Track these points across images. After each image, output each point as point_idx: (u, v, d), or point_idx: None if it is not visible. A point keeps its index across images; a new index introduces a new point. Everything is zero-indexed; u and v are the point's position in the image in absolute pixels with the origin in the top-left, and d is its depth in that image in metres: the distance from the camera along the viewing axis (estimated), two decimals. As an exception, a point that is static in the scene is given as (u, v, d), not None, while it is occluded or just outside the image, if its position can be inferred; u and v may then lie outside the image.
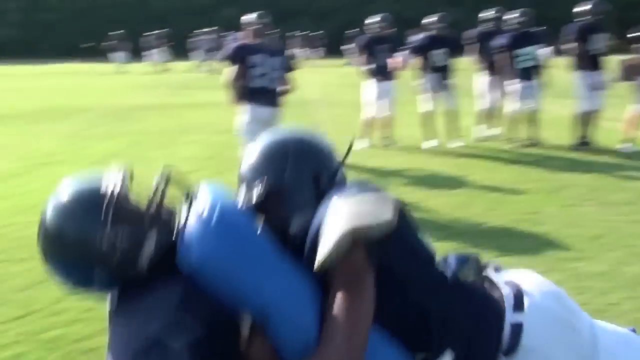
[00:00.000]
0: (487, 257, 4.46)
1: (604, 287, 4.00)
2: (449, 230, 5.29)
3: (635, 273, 4.21)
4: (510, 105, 9.19)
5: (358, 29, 14.12)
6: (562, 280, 4.09)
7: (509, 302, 1.72)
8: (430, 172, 7.63)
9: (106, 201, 1.67)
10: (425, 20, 9.55)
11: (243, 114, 6.48)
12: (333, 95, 16.52)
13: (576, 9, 8.83)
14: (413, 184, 7.08)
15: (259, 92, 6.41)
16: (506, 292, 1.75)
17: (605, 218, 5.53)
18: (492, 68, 9.38)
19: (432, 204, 6.11)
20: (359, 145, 9.04)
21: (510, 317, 1.70)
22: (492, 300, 1.74)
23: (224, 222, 1.64)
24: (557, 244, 4.88)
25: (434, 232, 5.13)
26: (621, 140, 8.58)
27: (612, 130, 9.28)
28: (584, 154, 8.45)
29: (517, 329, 1.69)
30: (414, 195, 6.33)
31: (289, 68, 6.73)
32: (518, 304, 1.72)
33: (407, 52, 9.37)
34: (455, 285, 1.74)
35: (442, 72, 9.14)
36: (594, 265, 4.37)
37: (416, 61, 9.26)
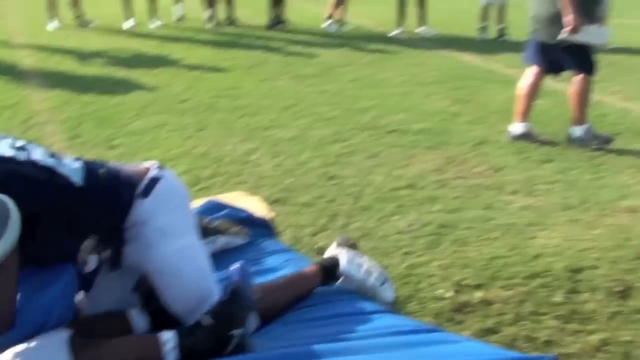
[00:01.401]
0: (169, 134, 4.67)
1: (295, 149, 4.42)
2: (153, 108, 5.32)
3: (321, 136, 4.71)
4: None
5: None
6: (259, 146, 4.43)
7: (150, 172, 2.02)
8: (130, 52, 7.46)
9: None
10: None
11: None
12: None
13: None
14: (112, 64, 6.88)
15: None
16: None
17: (296, 90, 6.01)
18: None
19: (133, 84, 6.05)
20: (50, 26, 8.43)
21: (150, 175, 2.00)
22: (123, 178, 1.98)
23: None
24: (254, 115, 5.20)
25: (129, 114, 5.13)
26: (325, 18, 9.21)
27: (303, 10, 9.86)
28: (278, 33, 8.91)
29: (154, 180, 1.99)
30: (117, 74, 6.19)
31: None
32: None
33: None
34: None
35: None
36: (286, 132, 4.78)
37: None
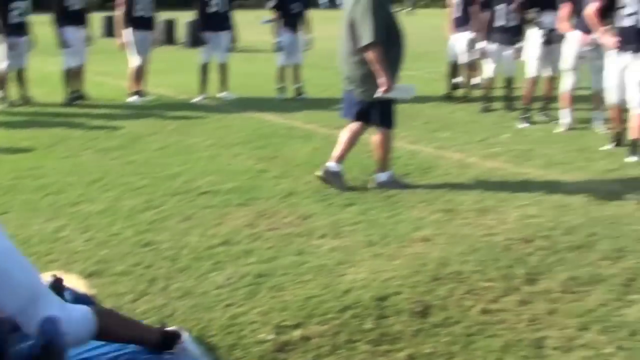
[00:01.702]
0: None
1: (106, 221, 4.38)
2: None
3: (131, 205, 4.71)
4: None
5: None
6: (67, 222, 4.34)
7: None
8: None
9: None
10: None
11: None
12: None
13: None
14: None
15: None
16: None
17: (102, 163, 5.94)
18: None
19: None
20: None
21: None
22: None
23: None
24: (60, 192, 5.07)
25: None
26: (128, 93, 9.16)
27: (102, 83, 9.77)
28: (78, 108, 8.75)
29: None
30: None
31: None
32: None
33: None
34: None
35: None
36: (95, 205, 4.72)
37: None
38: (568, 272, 3.54)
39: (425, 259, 3.75)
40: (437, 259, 3.75)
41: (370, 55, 4.79)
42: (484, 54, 8.14)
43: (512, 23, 7.79)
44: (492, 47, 7.99)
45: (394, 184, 5.09)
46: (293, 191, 5.04)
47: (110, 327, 2.07)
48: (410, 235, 4.12)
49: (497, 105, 8.34)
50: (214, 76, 9.43)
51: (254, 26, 20.08)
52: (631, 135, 5.80)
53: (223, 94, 9.49)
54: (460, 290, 3.37)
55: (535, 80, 7.50)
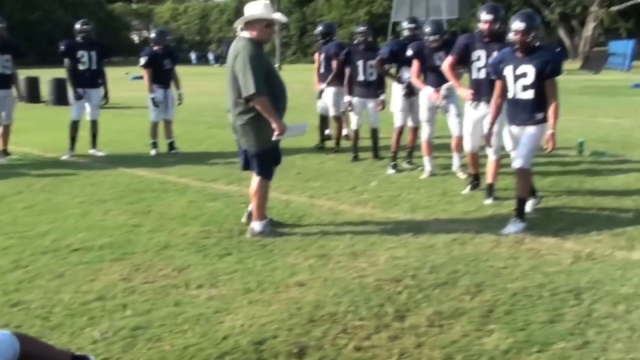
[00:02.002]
0: None
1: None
2: None
3: None
4: None
5: None
6: None
7: None
8: None
9: None
10: None
11: None
12: None
13: None
14: None
15: None
16: None
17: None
18: None
19: None
20: None
21: None
22: None
23: None
24: None
25: None
26: None
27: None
28: None
29: None
30: None
31: None
32: None
33: None
34: None
35: None
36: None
37: None
38: (433, 307, 3.79)
39: (300, 302, 3.88)
40: (312, 302, 3.89)
41: (256, 105, 4.97)
42: (349, 107, 8.54)
43: (372, 78, 8.26)
44: (355, 100, 8.42)
45: (270, 232, 5.22)
46: (168, 244, 5.04)
47: (31, 349, 2.18)
48: (285, 281, 4.24)
49: (365, 155, 8.73)
50: (83, 133, 9.24)
51: (123, 82, 19.85)
52: (487, 180, 6.26)
53: (92, 151, 9.31)
54: (334, 330, 3.52)
55: (400, 130, 7.96)
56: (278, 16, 5.23)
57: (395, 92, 7.97)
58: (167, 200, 6.51)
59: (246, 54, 4.95)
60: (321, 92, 9.37)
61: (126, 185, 7.24)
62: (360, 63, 8.33)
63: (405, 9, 37.73)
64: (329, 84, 9.19)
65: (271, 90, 5.03)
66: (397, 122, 7.92)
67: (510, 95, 5.42)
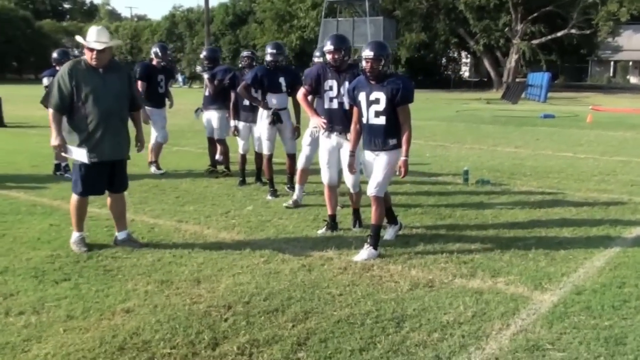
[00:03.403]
0: None
1: None
2: None
3: None
4: None
5: None
6: None
7: None
8: None
9: None
10: None
11: None
12: None
13: None
14: None
15: None
16: None
17: None
18: None
19: None
20: None
21: None
22: None
23: None
24: None
25: None
26: None
27: None
28: None
29: None
30: None
31: None
32: None
33: None
34: None
35: None
36: None
37: None
38: (250, 335, 3.76)
39: (118, 330, 3.79)
40: (130, 329, 3.80)
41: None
42: (235, 132, 8.50)
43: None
44: (241, 125, 8.41)
45: (133, 243, 5.56)
46: (7, 269, 4.87)
47: None
48: (113, 308, 4.15)
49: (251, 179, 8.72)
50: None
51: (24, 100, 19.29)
52: (352, 206, 6.29)
53: (-28, 170, 9.02)
54: (141, 358, 3.45)
55: (269, 158, 7.85)
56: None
57: (261, 119, 7.82)
58: (27, 223, 6.31)
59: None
60: (208, 115, 9.31)
61: (-8, 206, 7.00)
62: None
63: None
64: (214, 107, 9.15)
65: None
66: (268, 148, 7.86)
67: (364, 120, 5.49)
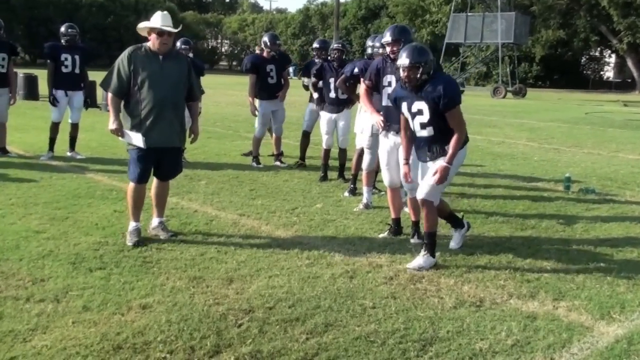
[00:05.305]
0: None
1: None
2: None
3: None
4: None
5: None
6: None
7: None
8: None
9: None
10: None
11: None
12: None
13: None
14: None
15: None
16: None
17: None
18: None
19: None
20: None
21: None
22: None
23: None
24: None
25: None
26: None
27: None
28: None
29: None
30: None
31: None
32: None
33: None
34: None
35: None
36: None
37: None
38: (255, 345, 3.48)
39: (124, 327, 3.64)
40: (137, 327, 3.64)
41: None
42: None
43: (344, 96, 7.91)
44: (324, 117, 8.22)
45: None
46: (50, 253, 4.89)
47: None
48: (132, 302, 4.01)
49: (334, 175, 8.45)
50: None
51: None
52: (411, 218, 5.73)
53: (71, 153, 9.35)
54: (133, 361, 3.27)
55: (361, 152, 7.52)
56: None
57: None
58: (94, 207, 6.38)
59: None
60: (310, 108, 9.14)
61: (71, 190, 7.16)
62: (331, 80, 8.06)
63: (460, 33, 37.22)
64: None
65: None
66: (358, 143, 7.50)
67: (412, 130, 5.04)
